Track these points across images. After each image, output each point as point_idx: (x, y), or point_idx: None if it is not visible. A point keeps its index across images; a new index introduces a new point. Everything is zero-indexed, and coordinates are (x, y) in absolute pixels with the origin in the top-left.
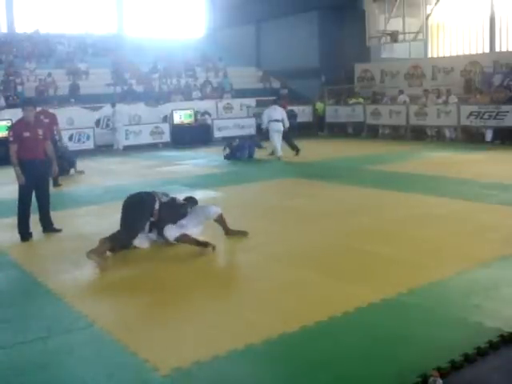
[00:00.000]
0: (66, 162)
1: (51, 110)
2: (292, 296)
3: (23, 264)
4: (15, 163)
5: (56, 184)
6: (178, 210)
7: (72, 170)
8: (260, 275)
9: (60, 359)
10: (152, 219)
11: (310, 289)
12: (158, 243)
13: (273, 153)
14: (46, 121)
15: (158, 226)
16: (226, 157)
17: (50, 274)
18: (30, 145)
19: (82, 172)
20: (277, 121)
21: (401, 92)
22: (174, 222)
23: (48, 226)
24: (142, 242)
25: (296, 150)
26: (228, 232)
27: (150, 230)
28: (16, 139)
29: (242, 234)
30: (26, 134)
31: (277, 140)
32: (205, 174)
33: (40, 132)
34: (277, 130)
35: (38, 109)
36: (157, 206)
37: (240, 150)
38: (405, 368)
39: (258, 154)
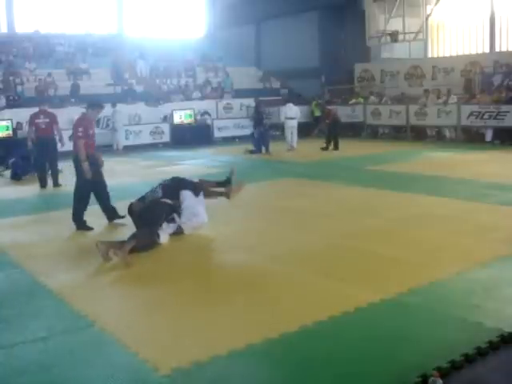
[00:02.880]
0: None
1: (50, 110)
2: (292, 296)
3: (23, 264)
4: (83, 159)
5: (56, 184)
6: None
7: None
8: (260, 275)
9: (60, 359)
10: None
11: (310, 289)
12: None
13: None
14: (47, 120)
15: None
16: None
17: (50, 274)
18: (91, 142)
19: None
20: (291, 118)
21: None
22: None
23: (114, 214)
24: (163, 237)
25: (327, 146)
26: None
27: (169, 220)
28: (84, 135)
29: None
30: (91, 132)
31: (289, 134)
32: (205, 174)
33: (95, 131)
34: (291, 127)
35: (37, 109)
36: None
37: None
38: (405, 368)
39: (276, 148)
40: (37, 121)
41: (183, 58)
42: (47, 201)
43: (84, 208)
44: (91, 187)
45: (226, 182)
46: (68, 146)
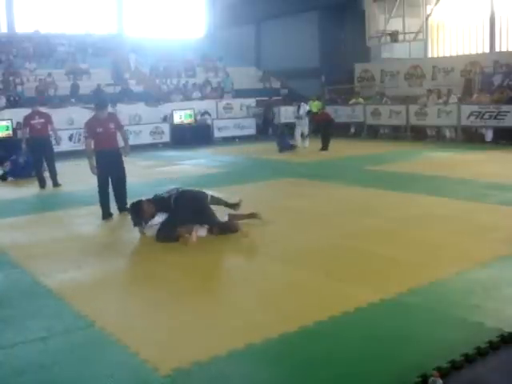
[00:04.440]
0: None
1: (44, 110)
2: (292, 296)
3: (23, 264)
4: (90, 156)
5: (55, 184)
6: None
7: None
8: (260, 275)
9: (60, 359)
10: None
11: (310, 289)
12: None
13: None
14: (42, 120)
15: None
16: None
17: (50, 274)
18: (103, 138)
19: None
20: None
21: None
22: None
23: (122, 207)
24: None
25: (324, 147)
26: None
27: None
28: (91, 135)
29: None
30: (100, 130)
31: (302, 132)
32: (205, 173)
33: (112, 126)
34: (305, 124)
35: (30, 110)
36: None
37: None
38: (405, 368)
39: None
40: (32, 122)
41: (183, 57)
42: (47, 201)
43: (103, 200)
44: (106, 180)
45: (234, 205)
46: (67, 145)
